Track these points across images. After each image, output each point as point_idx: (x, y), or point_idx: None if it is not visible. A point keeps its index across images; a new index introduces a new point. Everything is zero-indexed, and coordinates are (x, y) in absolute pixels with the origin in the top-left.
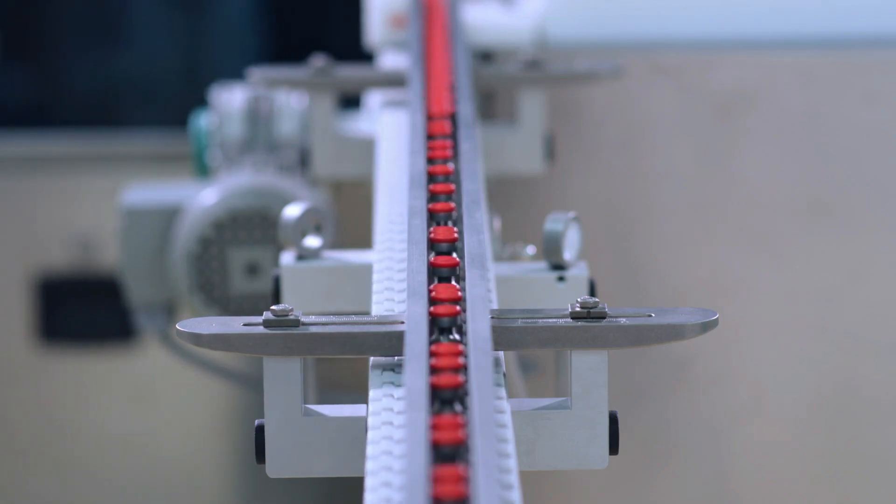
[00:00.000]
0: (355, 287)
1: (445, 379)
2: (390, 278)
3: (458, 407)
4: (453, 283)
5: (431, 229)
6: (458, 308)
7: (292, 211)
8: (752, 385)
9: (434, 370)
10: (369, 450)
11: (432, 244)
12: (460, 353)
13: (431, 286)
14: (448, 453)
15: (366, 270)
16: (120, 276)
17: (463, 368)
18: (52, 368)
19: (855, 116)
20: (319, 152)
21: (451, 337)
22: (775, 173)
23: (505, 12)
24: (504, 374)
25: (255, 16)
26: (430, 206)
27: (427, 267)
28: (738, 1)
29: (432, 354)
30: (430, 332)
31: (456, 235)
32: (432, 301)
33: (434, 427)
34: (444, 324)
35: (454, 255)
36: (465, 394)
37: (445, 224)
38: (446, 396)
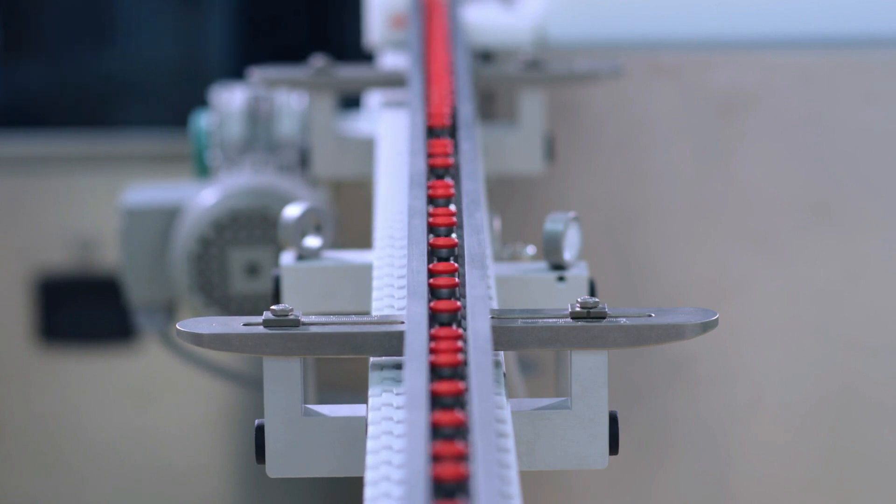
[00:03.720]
0: (355, 287)
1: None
2: (390, 276)
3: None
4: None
5: (430, 211)
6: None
7: (292, 211)
8: (751, 385)
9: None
10: (369, 450)
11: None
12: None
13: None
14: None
15: (366, 270)
16: (120, 276)
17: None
18: (52, 368)
19: (855, 117)
20: (319, 152)
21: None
22: (775, 173)
23: (505, 12)
24: (504, 374)
25: (255, 15)
26: (431, 209)
27: (427, 265)
28: (738, 1)
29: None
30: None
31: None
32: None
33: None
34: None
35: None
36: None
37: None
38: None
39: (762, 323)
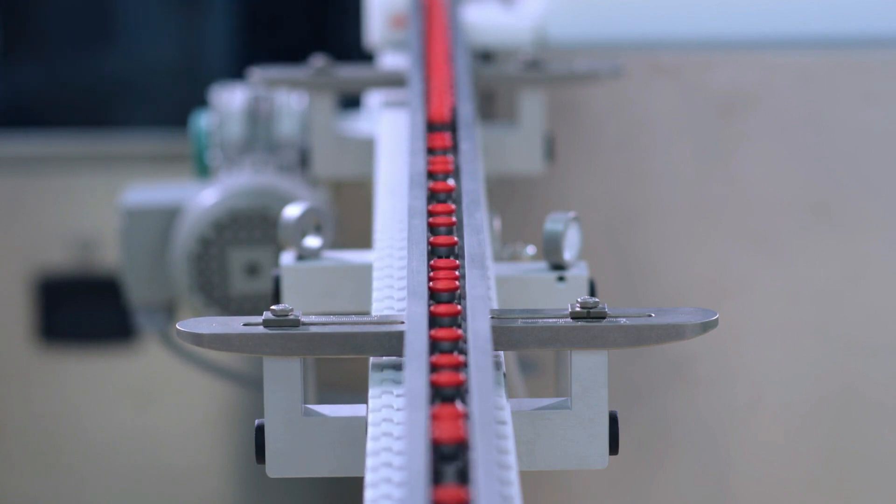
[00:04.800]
0: (355, 287)
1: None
2: (390, 277)
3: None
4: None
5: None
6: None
7: (292, 211)
8: (751, 385)
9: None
10: (369, 451)
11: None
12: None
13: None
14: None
15: (366, 270)
16: (120, 276)
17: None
18: (52, 368)
19: (855, 117)
20: (319, 152)
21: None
22: (775, 173)
23: (505, 12)
24: (504, 374)
25: (255, 15)
26: (431, 206)
27: (427, 267)
28: (738, 1)
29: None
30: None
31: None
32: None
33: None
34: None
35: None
36: (466, 390)
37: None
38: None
39: (762, 323)
